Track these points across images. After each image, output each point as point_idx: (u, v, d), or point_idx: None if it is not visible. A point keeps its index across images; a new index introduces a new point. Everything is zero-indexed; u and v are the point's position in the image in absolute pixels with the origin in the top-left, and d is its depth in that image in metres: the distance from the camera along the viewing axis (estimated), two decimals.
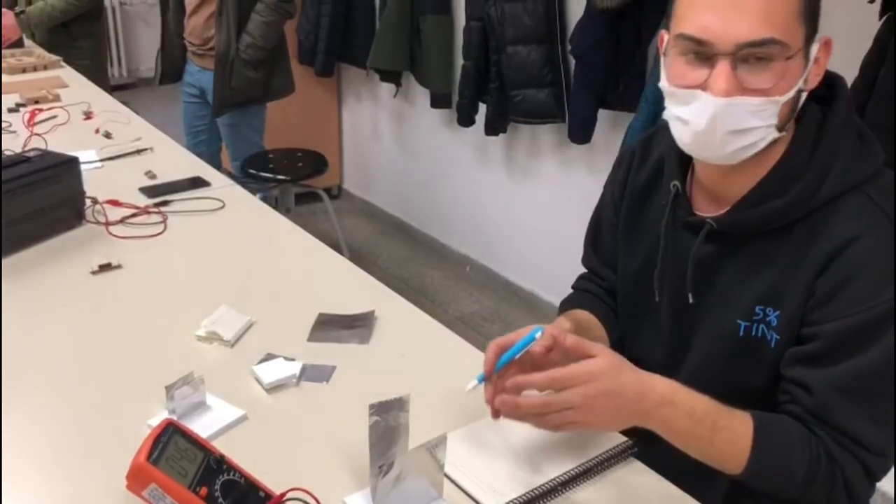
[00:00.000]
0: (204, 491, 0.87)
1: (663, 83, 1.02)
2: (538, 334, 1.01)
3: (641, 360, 1.06)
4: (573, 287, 1.36)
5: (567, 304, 1.31)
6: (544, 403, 0.94)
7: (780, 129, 0.98)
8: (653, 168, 1.18)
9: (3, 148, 2.01)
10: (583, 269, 1.36)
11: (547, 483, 1.02)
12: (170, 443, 0.89)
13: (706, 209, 1.09)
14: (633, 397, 0.96)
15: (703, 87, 0.95)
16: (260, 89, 3.07)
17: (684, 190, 1.10)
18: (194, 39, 3.10)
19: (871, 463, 0.98)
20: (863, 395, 0.96)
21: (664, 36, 1.03)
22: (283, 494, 0.93)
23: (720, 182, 1.06)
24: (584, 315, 1.25)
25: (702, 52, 0.95)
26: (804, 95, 1.00)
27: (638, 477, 1.04)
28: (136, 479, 0.85)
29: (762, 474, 0.98)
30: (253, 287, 1.51)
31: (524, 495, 1.00)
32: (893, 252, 0.94)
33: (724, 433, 0.97)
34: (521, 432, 1.11)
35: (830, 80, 1.04)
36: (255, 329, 1.36)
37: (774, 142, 0.99)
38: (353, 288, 1.52)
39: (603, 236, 1.29)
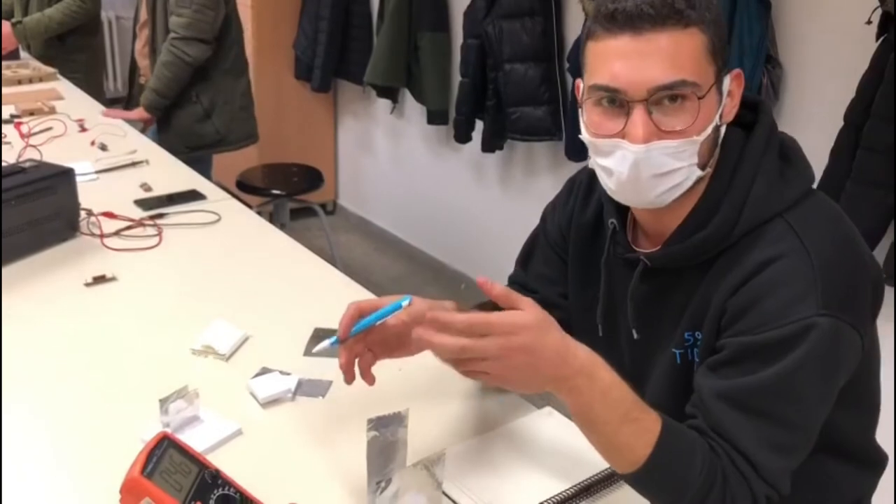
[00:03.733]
0: None
1: (584, 135, 1.01)
2: (405, 303, 1.00)
3: None
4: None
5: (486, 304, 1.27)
6: (461, 347, 0.88)
7: (702, 167, 0.98)
8: (597, 204, 1.17)
9: None
10: None
11: (546, 501, 1.00)
12: (164, 456, 0.88)
13: (645, 244, 1.09)
14: (553, 359, 0.90)
15: (621, 135, 0.96)
16: (212, 136, 2.80)
17: (623, 227, 1.10)
18: (140, 64, 2.98)
19: (758, 493, 0.93)
20: (755, 413, 0.93)
21: (580, 84, 1.02)
22: None
23: (652, 220, 1.06)
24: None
25: (616, 100, 0.95)
26: (723, 130, 1.00)
27: (636, 497, 1.02)
28: (129, 493, 0.83)
29: (656, 476, 0.94)
30: (248, 301, 1.49)
31: None
32: (803, 278, 0.93)
33: (633, 426, 0.93)
34: (522, 449, 1.10)
35: (754, 105, 1.04)
36: (250, 343, 1.35)
37: (701, 176, 0.99)
38: (347, 302, 1.50)
39: (536, 257, 1.28)
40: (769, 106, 1.05)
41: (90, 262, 1.60)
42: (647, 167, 0.95)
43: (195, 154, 2.73)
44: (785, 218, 0.97)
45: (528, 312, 0.90)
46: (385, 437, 0.95)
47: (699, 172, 0.98)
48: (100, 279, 1.52)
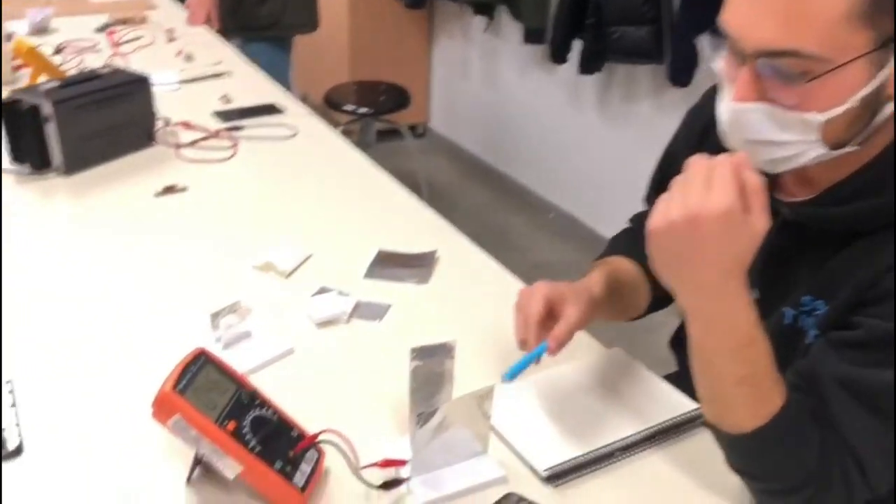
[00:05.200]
0: (232, 426, 0.82)
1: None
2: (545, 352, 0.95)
3: None
4: (630, 220, 1.18)
5: (615, 244, 1.16)
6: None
7: (835, 146, 0.80)
8: None
9: (84, 67, 2.02)
10: None
11: (603, 447, 0.93)
12: (200, 373, 0.84)
13: (792, 190, 0.91)
14: (702, 273, 0.76)
15: (733, 81, 0.81)
16: (266, 19, 2.73)
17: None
18: None
19: (858, 500, 0.80)
20: (880, 414, 0.79)
21: None
22: (315, 436, 0.88)
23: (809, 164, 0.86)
24: (624, 266, 1.11)
25: (733, 47, 0.79)
26: (889, 107, 0.79)
27: (706, 448, 0.93)
28: (161, 408, 0.80)
29: (752, 453, 0.82)
30: (315, 218, 1.46)
31: (576, 458, 0.91)
32: None
33: (749, 390, 0.79)
34: (578, 390, 1.03)
35: None
36: (312, 261, 1.31)
37: (885, 125, 0.80)
38: (417, 226, 1.45)
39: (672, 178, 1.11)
40: None
41: (163, 171, 1.59)
42: (742, 129, 0.81)
43: (247, 34, 2.69)
44: None
45: (755, 215, 0.75)
46: (430, 368, 0.89)
47: (821, 150, 0.80)
48: (171, 189, 1.51)
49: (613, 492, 0.89)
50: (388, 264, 1.30)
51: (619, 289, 1.07)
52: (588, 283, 1.03)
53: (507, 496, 0.85)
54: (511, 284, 1.26)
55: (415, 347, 0.88)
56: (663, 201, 0.77)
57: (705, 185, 0.74)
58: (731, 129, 0.83)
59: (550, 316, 0.97)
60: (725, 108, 0.83)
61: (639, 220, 1.17)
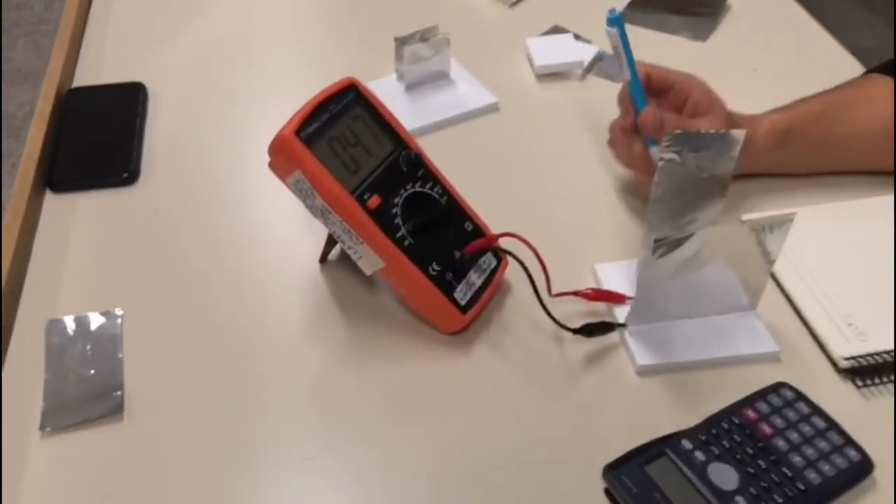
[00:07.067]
0: (375, 201, 0.55)
1: None
2: None
3: None
4: None
5: None
6: None
7: None
8: None
9: None
10: None
11: None
12: (344, 116, 0.57)
13: None
14: None
15: None
16: None
17: None
18: None
19: None
20: None
21: None
22: (497, 237, 0.59)
23: None
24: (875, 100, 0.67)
25: None
26: None
27: None
28: (278, 157, 0.55)
29: None
30: None
31: None
32: None
33: None
34: None
35: None
36: None
37: None
38: None
39: None
40: None
41: None
42: None
43: None
44: None
45: None
46: (690, 167, 0.54)
47: None
48: None
49: None
50: (655, 6, 0.91)
51: (823, 139, 0.67)
52: (756, 122, 0.66)
53: (776, 387, 0.53)
54: (841, 57, 0.84)
55: (672, 133, 0.53)
56: None
57: None
58: None
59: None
60: None
61: None
